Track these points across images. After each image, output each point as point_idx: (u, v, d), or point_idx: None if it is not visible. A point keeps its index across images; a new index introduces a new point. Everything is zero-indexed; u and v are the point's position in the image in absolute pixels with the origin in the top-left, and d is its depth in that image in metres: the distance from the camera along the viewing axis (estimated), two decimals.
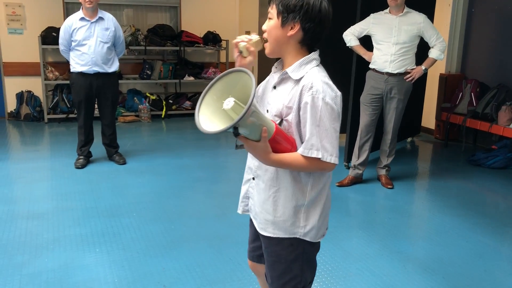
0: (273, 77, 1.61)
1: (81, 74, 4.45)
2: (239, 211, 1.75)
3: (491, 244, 3.19)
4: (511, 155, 4.89)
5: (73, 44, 4.42)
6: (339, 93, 1.49)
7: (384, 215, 3.69)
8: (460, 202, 3.97)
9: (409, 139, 6.08)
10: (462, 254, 3.03)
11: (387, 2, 3.96)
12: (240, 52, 1.53)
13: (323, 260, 2.87)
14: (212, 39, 7.39)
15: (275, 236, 1.59)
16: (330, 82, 1.49)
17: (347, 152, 4.72)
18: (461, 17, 5.94)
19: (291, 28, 1.48)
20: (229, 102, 1.35)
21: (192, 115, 6.90)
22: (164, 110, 7.16)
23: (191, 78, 7.37)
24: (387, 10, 4.02)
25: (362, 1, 4.29)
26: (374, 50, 4.08)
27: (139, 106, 6.96)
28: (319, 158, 1.44)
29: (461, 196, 4.14)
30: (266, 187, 1.58)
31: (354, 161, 4.28)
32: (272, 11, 1.50)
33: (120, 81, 6.79)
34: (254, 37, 1.54)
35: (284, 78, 1.53)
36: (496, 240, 3.26)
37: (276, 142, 1.43)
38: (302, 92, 1.45)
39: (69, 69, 4.59)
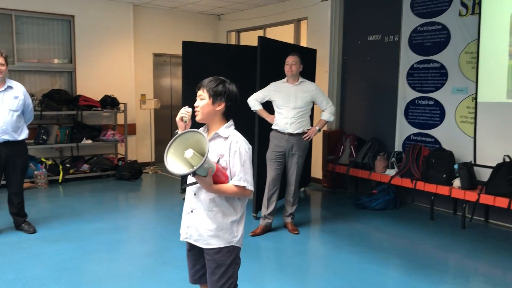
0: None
1: None
2: (181, 238, 2.30)
3: (381, 271, 3.84)
4: (389, 198, 5.80)
5: None
6: (250, 145, 2.26)
7: (297, 257, 4.16)
8: (354, 240, 4.63)
9: (301, 189, 6.78)
10: (364, 282, 3.61)
11: (285, 73, 4.64)
12: (185, 122, 2.22)
13: None
14: (110, 102, 7.54)
15: (217, 246, 2.20)
16: (245, 139, 2.24)
17: (255, 205, 5.18)
18: (337, 82, 6.98)
19: (218, 105, 2.19)
20: (189, 152, 1.98)
21: (91, 178, 6.91)
22: (61, 174, 7.02)
23: (89, 141, 7.38)
24: (284, 80, 4.70)
25: (261, 71, 4.93)
26: (276, 113, 4.69)
27: (35, 172, 6.73)
28: (244, 186, 2.15)
29: (354, 235, 4.80)
30: (207, 212, 2.20)
31: (264, 211, 4.75)
32: (204, 94, 2.19)
33: None
34: (189, 109, 2.24)
35: (215, 137, 2.21)
36: (383, 267, 3.94)
37: (216, 176, 2.10)
38: (231, 145, 2.17)
39: None
